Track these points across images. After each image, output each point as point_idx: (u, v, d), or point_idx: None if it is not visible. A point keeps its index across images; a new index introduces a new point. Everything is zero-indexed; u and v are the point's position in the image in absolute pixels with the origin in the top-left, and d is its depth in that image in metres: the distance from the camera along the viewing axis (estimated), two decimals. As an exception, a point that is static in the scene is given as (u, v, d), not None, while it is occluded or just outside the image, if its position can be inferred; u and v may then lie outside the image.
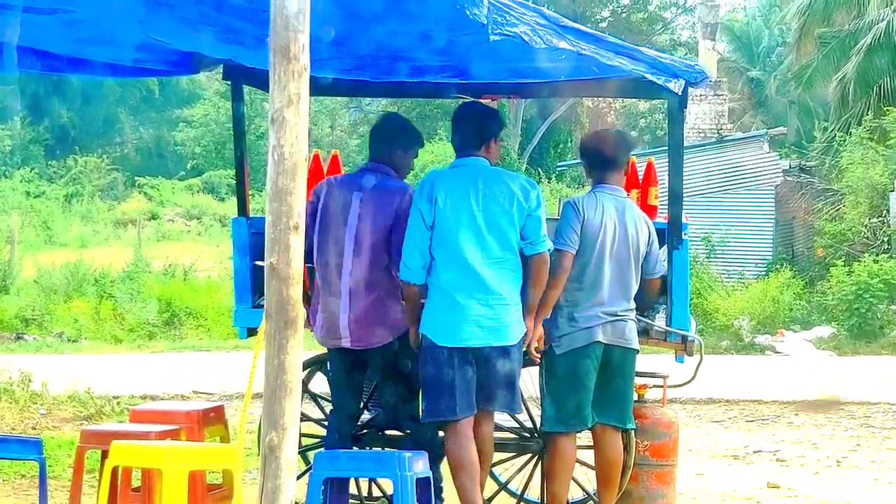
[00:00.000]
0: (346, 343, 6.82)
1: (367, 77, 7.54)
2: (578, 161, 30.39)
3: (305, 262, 6.80)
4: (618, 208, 7.02)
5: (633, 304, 7.05)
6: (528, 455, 7.61)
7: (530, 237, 6.64)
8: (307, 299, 6.90)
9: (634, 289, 7.07)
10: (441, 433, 6.79)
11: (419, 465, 6.21)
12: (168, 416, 7.40)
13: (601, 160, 7.16)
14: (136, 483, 7.10)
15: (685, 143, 8.45)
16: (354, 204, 6.80)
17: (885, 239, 23.03)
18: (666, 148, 8.06)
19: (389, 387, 7.03)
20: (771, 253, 26.41)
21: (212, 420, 7.51)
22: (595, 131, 9.80)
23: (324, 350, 7.30)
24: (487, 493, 7.22)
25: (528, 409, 7.36)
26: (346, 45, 6.49)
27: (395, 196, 6.81)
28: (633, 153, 7.81)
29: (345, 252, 6.77)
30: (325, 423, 7.90)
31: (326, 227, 6.85)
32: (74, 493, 6.92)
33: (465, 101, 7.48)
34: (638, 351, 7.09)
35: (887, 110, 24.72)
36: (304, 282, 4.11)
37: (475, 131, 6.79)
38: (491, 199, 6.60)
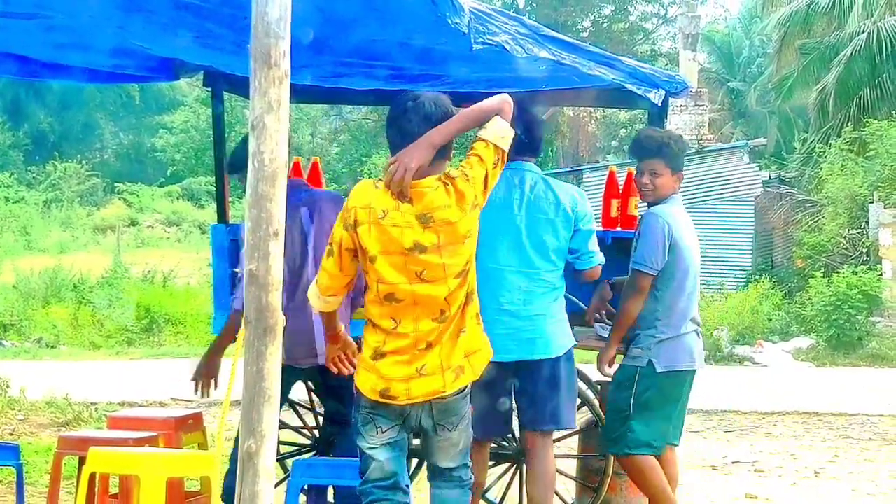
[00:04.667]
0: (322, 360, 6.08)
1: (346, 84, 7.51)
2: (563, 169, 30.36)
3: None
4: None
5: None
6: (507, 463, 7.57)
7: (579, 250, 6.42)
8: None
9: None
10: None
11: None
12: (146, 422, 7.36)
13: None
14: (113, 490, 7.07)
15: (665, 154, 8.37)
16: (305, 221, 6.38)
17: (864, 250, 23.10)
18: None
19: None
20: (750, 263, 26.51)
21: (190, 427, 7.47)
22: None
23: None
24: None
25: None
26: (325, 49, 6.46)
27: (337, 203, 6.04)
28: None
29: (306, 268, 6.31)
30: (304, 430, 7.86)
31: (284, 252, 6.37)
32: (52, 499, 6.88)
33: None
34: None
35: (867, 121, 24.81)
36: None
37: (529, 137, 6.42)
38: (535, 206, 6.39)
